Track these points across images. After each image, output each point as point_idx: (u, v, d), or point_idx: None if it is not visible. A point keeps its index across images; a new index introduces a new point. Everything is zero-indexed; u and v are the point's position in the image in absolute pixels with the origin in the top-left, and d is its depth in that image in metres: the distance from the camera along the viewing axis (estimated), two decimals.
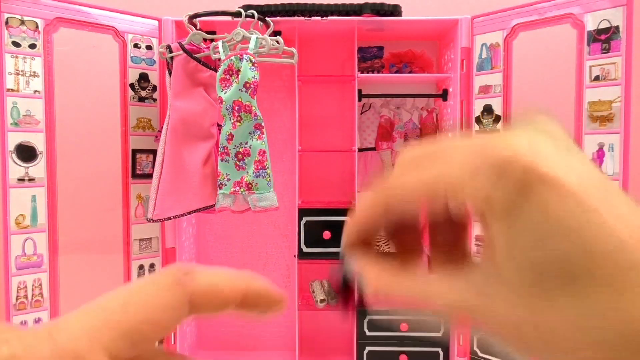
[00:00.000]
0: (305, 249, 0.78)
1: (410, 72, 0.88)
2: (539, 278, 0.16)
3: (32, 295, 0.65)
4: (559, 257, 0.15)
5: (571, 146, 0.16)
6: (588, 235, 0.15)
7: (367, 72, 0.87)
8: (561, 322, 0.15)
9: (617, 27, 0.62)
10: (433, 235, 0.20)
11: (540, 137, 0.16)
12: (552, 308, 0.16)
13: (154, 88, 0.73)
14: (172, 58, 0.62)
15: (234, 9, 0.63)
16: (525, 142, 0.15)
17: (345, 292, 0.21)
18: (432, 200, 0.16)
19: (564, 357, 0.16)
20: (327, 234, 0.78)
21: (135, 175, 0.72)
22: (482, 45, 0.74)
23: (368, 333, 0.80)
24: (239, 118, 0.57)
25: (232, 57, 0.57)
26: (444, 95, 0.83)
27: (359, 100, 0.81)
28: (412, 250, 0.20)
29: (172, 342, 0.75)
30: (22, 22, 0.62)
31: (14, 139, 0.63)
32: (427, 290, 0.19)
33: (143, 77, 0.72)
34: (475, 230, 0.18)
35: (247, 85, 0.56)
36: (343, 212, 0.79)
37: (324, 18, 0.74)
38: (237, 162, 0.58)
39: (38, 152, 0.64)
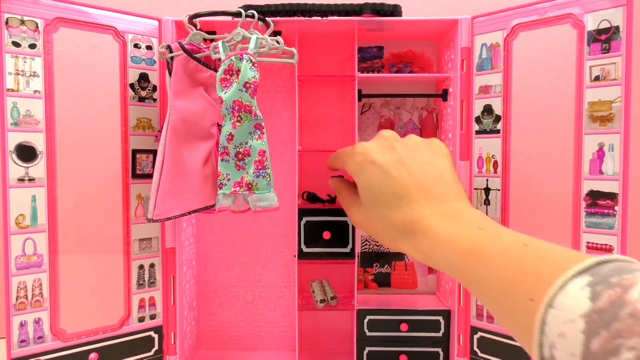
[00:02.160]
0: (305, 249, 0.78)
1: (410, 72, 0.88)
2: (370, 203, 0.43)
3: (32, 295, 0.65)
4: (375, 194, 0.42)
5: (397, 145, 0.43)
6: (384, 183, 0.41)
7: (367, 72, 0.87)
8: (375, 220, 0.42)
9: (617, 27, 0.62)
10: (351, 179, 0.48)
11: (373, 144, 0.44)
12: (372, 214, 0.43)
13: (154, 88, 0.73)
14: (172, 58, 0.62)
15: (234, 9, 0.63)
16: (364, 146, 0.44)
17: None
18: (342, 168, 0.48)
19: (377, 237, 0.43)
20: (327, 234, 0.78)
21: (135, 175, 0.72)
22: (482, 45, 0.74)
23: (368, 333, 0.80)
24: (239, 118, 0.57)
25: (232, 57, 0.57)
26: (444, 95, 0.83)
27: (359, 100, 0.81)
28: (350, 183, 0.51)
29: (172, 342, 0.75)
30: (22, 22, 0.62)
31: (13, 139, 0.63)
32: (349, 207, 0.48)
33: (143, 77, 0.72)
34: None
35: (247, 85, 0.56)
36: (343, 212, 0.79)
37: (324, 18, 0.74)
38: (237, 162, 0.58)
39: (38, 152, 0.64)
